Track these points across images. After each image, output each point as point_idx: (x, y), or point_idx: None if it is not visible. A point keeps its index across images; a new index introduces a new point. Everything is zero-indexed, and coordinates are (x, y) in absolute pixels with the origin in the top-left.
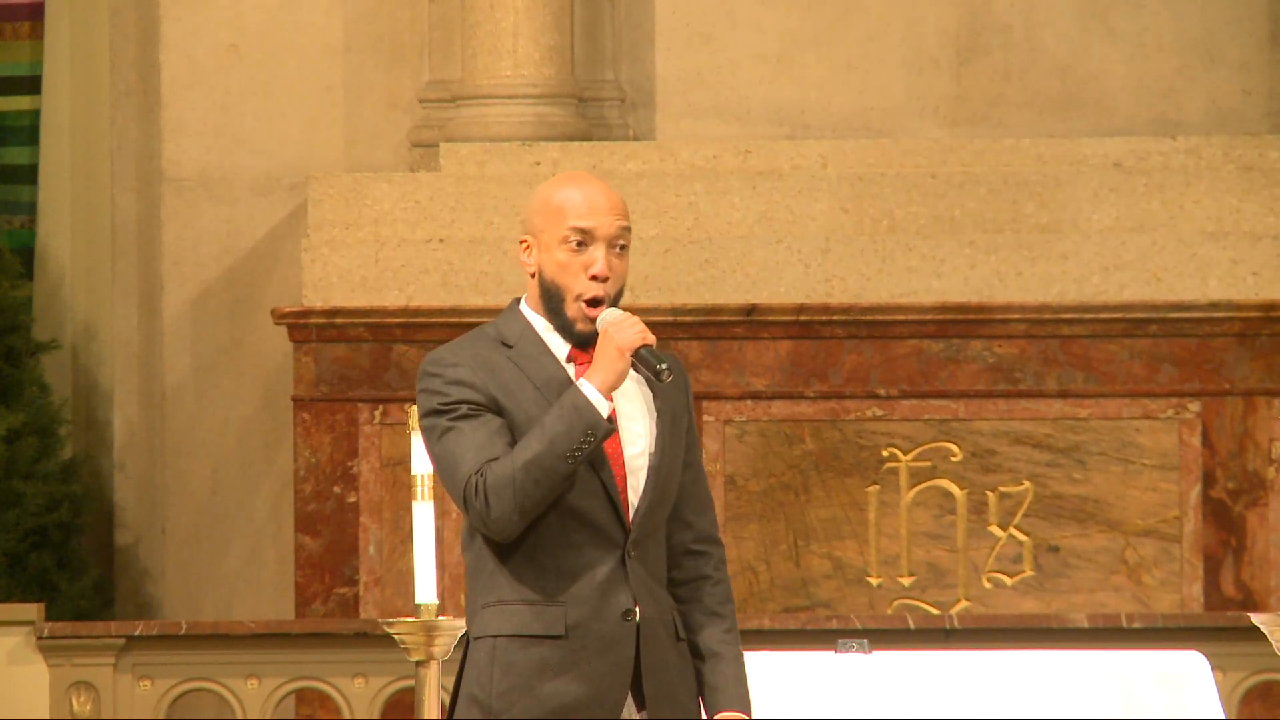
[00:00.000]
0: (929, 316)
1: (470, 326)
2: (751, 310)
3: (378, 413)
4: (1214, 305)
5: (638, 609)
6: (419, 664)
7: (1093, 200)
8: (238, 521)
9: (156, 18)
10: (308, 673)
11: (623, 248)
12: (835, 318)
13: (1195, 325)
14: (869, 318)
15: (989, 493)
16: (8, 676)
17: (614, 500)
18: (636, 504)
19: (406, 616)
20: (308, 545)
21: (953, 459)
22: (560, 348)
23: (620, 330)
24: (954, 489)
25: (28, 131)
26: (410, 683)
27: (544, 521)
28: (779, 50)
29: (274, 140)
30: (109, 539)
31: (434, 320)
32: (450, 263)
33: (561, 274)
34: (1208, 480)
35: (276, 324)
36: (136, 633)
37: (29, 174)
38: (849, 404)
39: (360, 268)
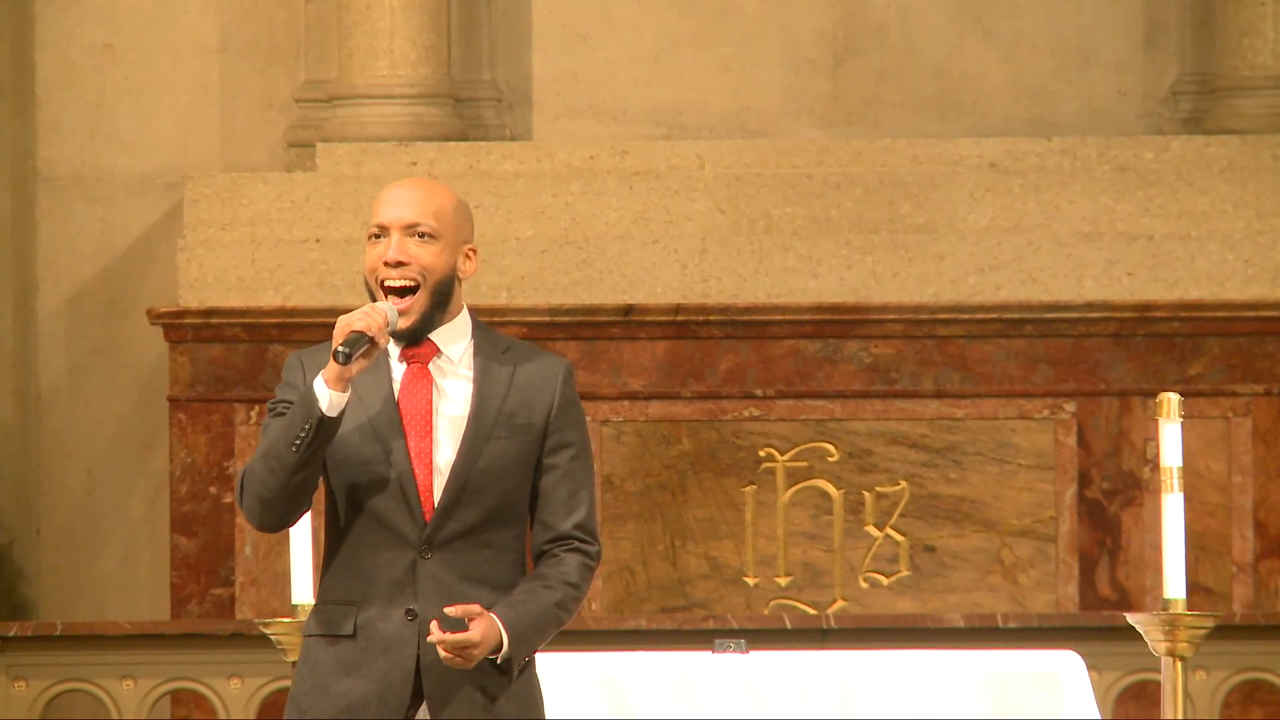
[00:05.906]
0: (805, 317)
1: None
2: (628, 310)
3: (253, 413)
4: (1089, 306)
5: (418, 609)
6: (295, 664)
7: (968, 201)
8: (113, 522)
9: (31, 17)
10: (183, 673)
11: (424, 235)
12: (712, 318)
13: (1070, 325)
14: (746, 318)
15: (865, 493)
16: None
17: (410, 501)
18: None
19: (282, 617)
20: (183, 546)
21: (829, 459)
22: (394, 349)
23: (349, 318)
24: (830, 489)
25: None
26: (286, 683)
27: (354, 523)
28: (655, 51)
29: (149, 140)
30: None
31: (310, 320)
32: (326, 263)
33: (369, 270)
34: (1083, 480)
35: (152, 324)
36: (11, 634)
37: None
38: (726, 404)
39: (236, 268)
